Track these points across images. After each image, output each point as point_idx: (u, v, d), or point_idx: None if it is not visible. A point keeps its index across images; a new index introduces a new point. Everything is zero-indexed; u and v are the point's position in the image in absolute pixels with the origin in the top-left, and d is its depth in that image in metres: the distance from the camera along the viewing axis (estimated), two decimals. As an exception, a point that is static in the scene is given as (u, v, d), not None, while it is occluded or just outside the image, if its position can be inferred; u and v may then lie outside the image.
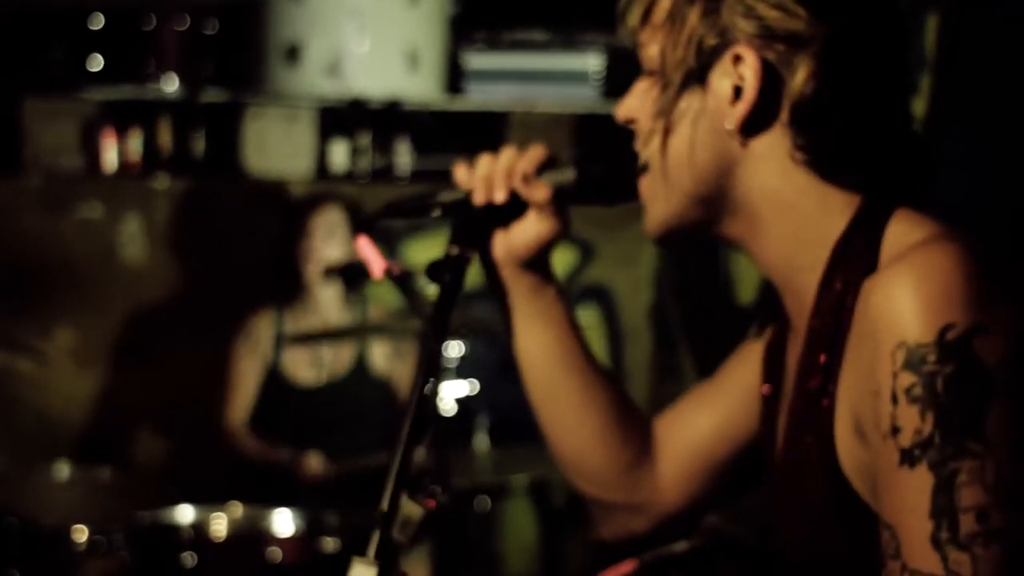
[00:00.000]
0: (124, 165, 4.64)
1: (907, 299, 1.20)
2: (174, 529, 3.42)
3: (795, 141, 1.33)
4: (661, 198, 1.41)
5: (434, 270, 1.64)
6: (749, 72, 1.32)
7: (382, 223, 1.75)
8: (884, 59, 1.35)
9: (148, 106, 4.69)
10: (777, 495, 1.43)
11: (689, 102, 1.36)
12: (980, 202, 2.90)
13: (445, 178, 5.50)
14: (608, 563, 2.27)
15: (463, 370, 3.80)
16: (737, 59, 1.33)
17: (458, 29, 4.90)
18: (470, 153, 5.58)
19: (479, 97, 4.90)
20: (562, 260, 5.03)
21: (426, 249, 4.83)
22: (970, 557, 1.16)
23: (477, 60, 4.89)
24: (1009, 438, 1.17)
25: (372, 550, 1.48)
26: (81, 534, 3.71)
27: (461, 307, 1.62)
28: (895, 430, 1.20)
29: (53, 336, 4.61)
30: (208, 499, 3.72)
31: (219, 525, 3.45)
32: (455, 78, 4.88)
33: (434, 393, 1.50)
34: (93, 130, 4.62)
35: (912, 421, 1.18)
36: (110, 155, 4.61)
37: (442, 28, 4.82)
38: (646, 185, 1.44)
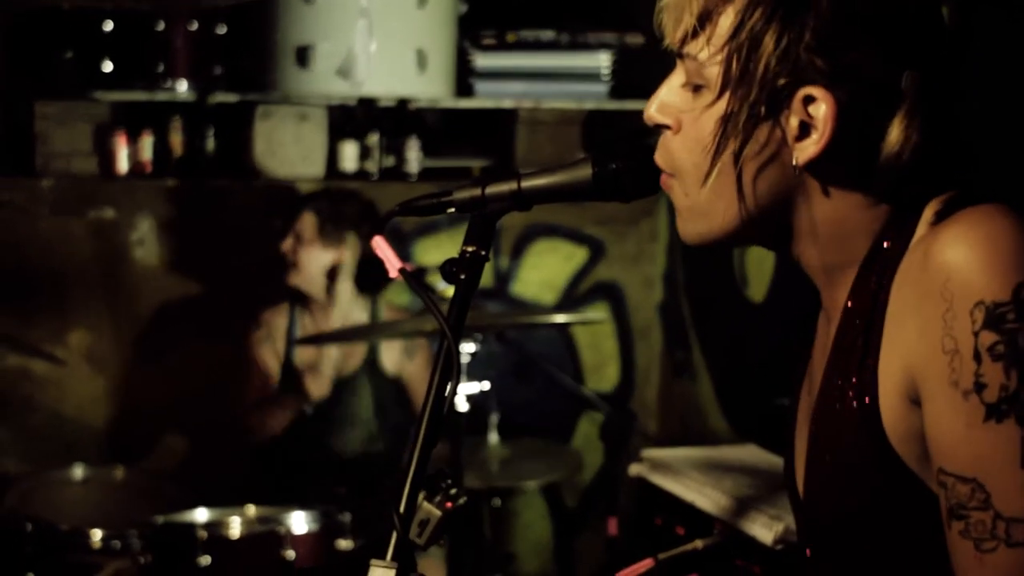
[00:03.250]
0: (136, 167, 4.64)
1: (975, 259, 1.24)
2: (189, 530, 3.42)
3: (862, 172, 1.35)
4: (700, 215, 1.41)
5: (449, 269, 1.63)
6: (823, 114, 1.32)
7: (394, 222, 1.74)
8: (954, 98, 1.38)
9: (159, 108, 4.69)
10: (809, 462, 1.45)
11: (751, 134, 1.35)
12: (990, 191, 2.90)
13: (454, 176, 5.52)
14: (625, 562, 2.27)
15: (475, 369, 3.80)
16: (808, 99, 1.32)
17: (467, 28, 4.90)
18: (479, 152, 5.60)
19: (488, 96, 4.90)
20: (573, 258, 5.02)
21: (437, 249, 4.84)
22: None
23: (486, 59, 4.89)
24: None
25: (391, 552, 1.48)
26: (96, 536, 3.73)
27: (473, 306, 1.63)
28: (979, 387, 1.23)
29: (67, 338, 4.61)
30: (224, 500, 3.72)
31: (234, 526, 3.45)
32: (464, 77, 4.89)
33: (451, 393, 1.50)
34: (105, 132, 4.61)
35: (997, 377, 1.23)
36: (122, 157, 4.61)
37: (451, 27, 4.82)
38: (681, 196, 1.43)
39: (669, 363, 5.05)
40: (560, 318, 4.60)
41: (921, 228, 1.33)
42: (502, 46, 4.91)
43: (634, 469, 2.68)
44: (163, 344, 4.69)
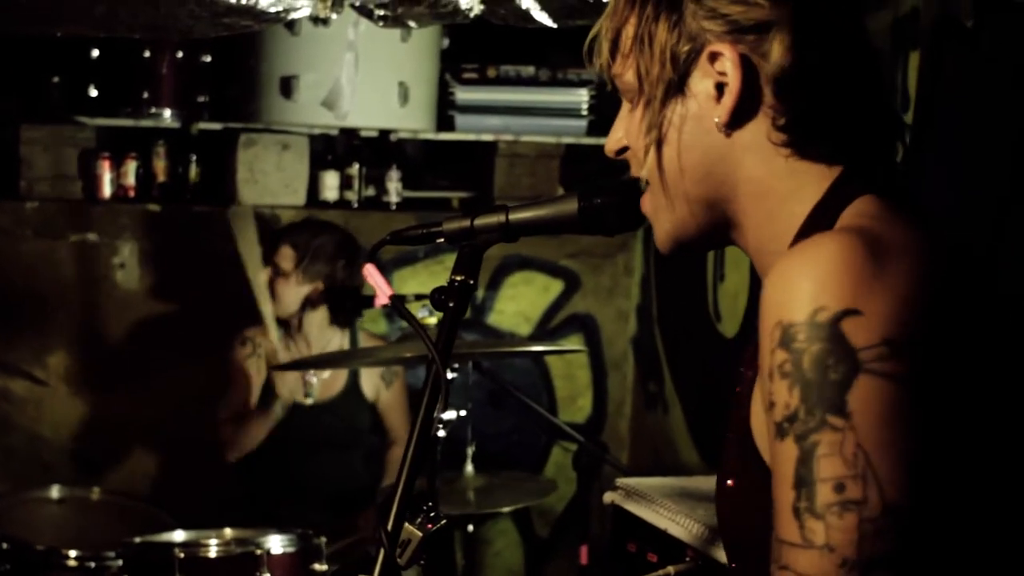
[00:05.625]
0: (119, 191, 4.68)
1: (789, 283, 1.26)
2: (167, 550, 3.43)
3: (776, 121, 1.39)
4: (663, 210, 1.47)
5: (438, 297, 1.68)
6: (729, 64, 1.38)
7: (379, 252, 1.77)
8: (846, 30, 1.42)
9: (144, 134, 4.74)
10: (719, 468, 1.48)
11: (673, 111, 1.42)
12: (959, 236, 2.96)
13: (434, 207, 5.55)
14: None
15: (451, 397, 3.84)
16: (714, 57, 1.39)
17: (448, 62, 4.97)
18: (458, 184, 5.63)
19: (468, 129, 4.96)
20: (548, 290, 5.08)
21: (414, 279, 4.89)
22: (824, 525, 1.20)
23: (466, 93, 4.95)
24: (874, 415, 1.20)
25: (378, 568, 1.53)
26: (72, 556, 3.74)
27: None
28: (771, 404, 1.25)
29: (47, 359, 4.64)
30: (201, 521, 3.75)
31: (211, 547, 3.47)
32: (445, 110, 4.95)
33: (439, 418, 1.55)
34: (89, 157, 4.66)
35: (783, 396, 1.24)
36: (106, 182, 4.65)
37: (433, 61, 4.88)
38: (648, 202, 1.50)
39: (642, 395, 5.10)
40: (538, 347, 4.64)
41: (847, 219, 1.35)
42: (483, 80, 4.98)
43: (608, 497, 2.73)
44: (142, 367, 4.71)
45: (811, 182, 1.40)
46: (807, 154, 1.40)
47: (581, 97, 4.98)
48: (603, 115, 4.98)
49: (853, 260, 1.25)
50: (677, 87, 1.41)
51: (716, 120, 1.40)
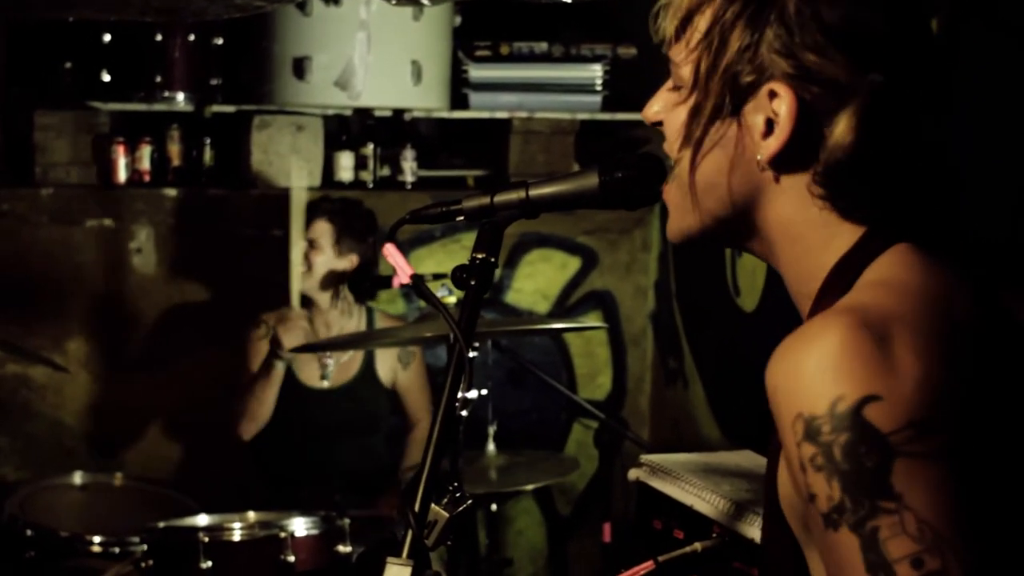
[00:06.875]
0: (134, 176, 4.67)
1: (799, 372, 1.23)
2: (191, 534, 3.44)
3: (818, 180, 1.35)
4: (684, 212, 1.44)
5: (460, 275, 1.67)
6: (784, 110, 1.33)
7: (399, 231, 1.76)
8: (921, 111, 1.36)
9: (158, 118, 4.73)
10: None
11: (719, 130, 1.38)
12: (980, 205, 2.94)
13: (449, 186, 5.53)
14: (624, 565, 2.31)
15: (472, 377, 3.83)
16: (772, 95, 1.34)
17: (461, 40, 4.94)
18: (473, 162, 5.62)
19: (482, 107, 4.94)
20: (566, 268, 5.07)
21: (431, 259, 4.88)
22: None
23: (480, 71, 4.93)
24: (922, 491, 1.19)
25: (406, 549, 1.53)
26: (96, 541, 3.75)
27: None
28: (812, 496, 1.23)
29: (67, 345, 4.64)
30: (223, 505, 3.75)
31: (235, 530, 3.48)
32: (458, 88, 4.93)
33: (463, 398, 1.54)
34: (104, 142, 4.65)
35: (822, 488, 1.21)
36: (121, 167, 4.64)
37: (446, 39, 4.86)
38: (671, 193, 1.47)
39: (661, 371, 5.09)
40: (558, 324, 4.63)
41: (854, 292, 1.31)
42: (496, 58, 4.96)
43: (633, 473, 2.72)
44: (161, 351, 4.72)
45: (841, 234, 1.37)
46: (843, 211, 1.36)
47: (595, 73, 4.95)
48: (617, 90, 4.95)
49: (859, 345, 1.22)
50: (730, 111, 1.36)
51: (758, 157, 1.36)
